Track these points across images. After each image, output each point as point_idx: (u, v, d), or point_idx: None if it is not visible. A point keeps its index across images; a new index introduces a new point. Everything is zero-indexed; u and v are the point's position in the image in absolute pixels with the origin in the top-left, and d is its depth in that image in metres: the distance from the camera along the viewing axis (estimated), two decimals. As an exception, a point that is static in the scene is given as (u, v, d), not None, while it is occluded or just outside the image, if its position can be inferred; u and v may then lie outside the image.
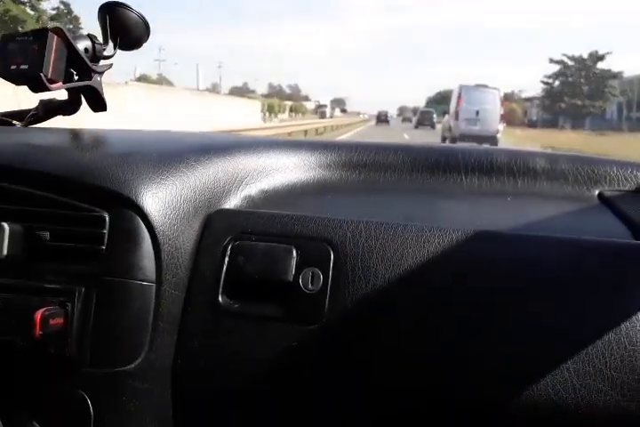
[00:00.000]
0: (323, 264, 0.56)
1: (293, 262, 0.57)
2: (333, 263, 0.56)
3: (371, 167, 0.75)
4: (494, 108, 15.92)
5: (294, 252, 0.57)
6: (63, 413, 0.55)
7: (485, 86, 16.82)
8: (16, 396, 0.57)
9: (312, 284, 0.56)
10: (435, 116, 38.98)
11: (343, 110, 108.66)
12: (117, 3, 0.81)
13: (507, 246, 0.57)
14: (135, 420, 0.55)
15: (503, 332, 0.54)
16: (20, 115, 0.96)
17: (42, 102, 0.92)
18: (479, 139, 14.51)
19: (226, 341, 0.56)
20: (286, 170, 0.73)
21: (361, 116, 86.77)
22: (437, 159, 0.75)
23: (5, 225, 0.55)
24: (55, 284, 0.56)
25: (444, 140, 17.34)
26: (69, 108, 0.88)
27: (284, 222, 0.59)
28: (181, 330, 0.57)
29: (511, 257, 0.56)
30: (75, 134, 0.82)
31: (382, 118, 50.56)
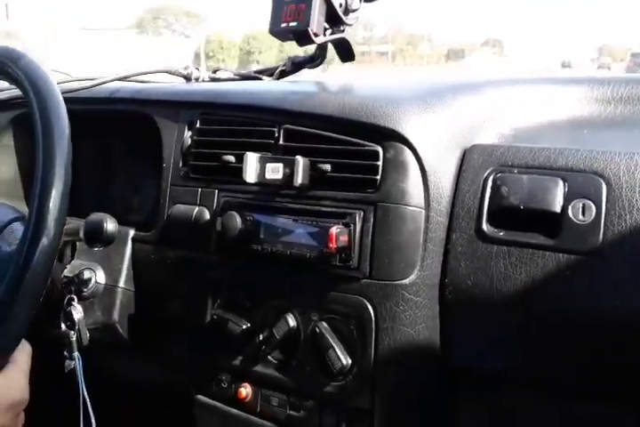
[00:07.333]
0: (594, 196, 0.57)
1: (561, 194, 0.58)
2: (606, 195, 0.57)
3: (627, 101, 0.72)
4: None
5: (561, 183, 0.59)
6: (347, 315, 0.65)
7: None
8: (307, 297, 0.68)
9: (583, 215, 0.57)
10: None
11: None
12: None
13: None
14: (410, 327, 0.63)
15: None
16: (268, 71, 1.09)
17: (289, 58, 1.03)
18: None
19: (491, 265, 0.61)
20: (534, 106, 0.74)
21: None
22: None
23: (300, 158, 0.66)
24: (337, 208, 0.66)
25: None
26: (315, 61, 0.98)
27: (546, 155, 0.61)
28: (447, 253, 0.64)
29: None
30: (325, 83, 0.91)
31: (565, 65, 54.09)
